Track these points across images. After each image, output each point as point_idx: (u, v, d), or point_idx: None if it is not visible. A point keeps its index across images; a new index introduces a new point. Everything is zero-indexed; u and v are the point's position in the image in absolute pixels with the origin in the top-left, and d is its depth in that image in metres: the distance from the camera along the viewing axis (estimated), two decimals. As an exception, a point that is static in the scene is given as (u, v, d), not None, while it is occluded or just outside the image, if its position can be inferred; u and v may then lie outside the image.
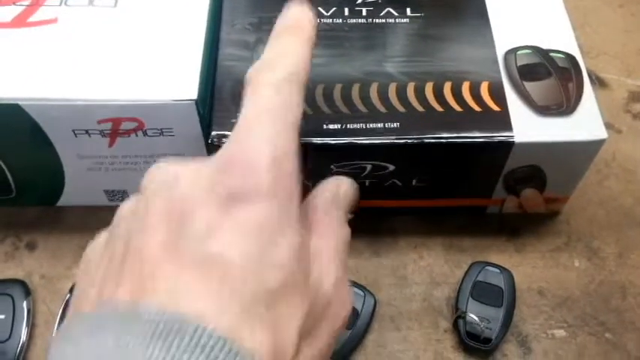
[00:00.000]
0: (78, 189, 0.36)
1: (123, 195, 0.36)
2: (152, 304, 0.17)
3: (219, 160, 0.20)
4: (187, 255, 0.18)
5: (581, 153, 0.33)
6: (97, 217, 0.37)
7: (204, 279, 0.17)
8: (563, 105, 0.33)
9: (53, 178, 0.34)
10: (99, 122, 0.30)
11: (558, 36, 0.35)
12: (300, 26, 0.24)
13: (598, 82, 0.44)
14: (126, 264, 0.18)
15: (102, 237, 0.22)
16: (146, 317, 0.16)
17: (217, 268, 0.17)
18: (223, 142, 0.31)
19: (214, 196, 0.19)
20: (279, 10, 0.35)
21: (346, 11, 0.36)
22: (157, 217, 0.19)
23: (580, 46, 0.35)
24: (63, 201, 0.37)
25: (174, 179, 0.20)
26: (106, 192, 0.36)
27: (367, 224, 0.37)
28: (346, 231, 0.23)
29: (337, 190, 0.24)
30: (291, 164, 0.20)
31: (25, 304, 0.33)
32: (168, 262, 0.18)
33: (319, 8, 0.36)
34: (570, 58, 0.34)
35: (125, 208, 0.21)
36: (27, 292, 0.34)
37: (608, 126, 0.41)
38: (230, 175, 0.19)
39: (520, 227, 0.37)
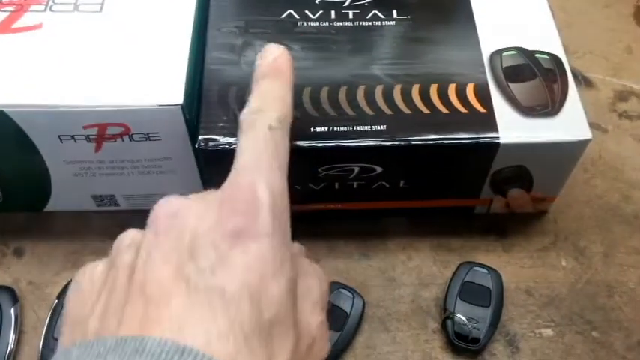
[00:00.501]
0: (65, 194, 0.35)
1: (110, 200, 0.36)
2: (155, 335, 0.17)
3: (223, 198, 0.21)
4: (194, 286, 0.19)
5: (567, 153, 0.33)
6: (84, 223, 0.37)
7: (209, 309, 0.18)
8: (548, 106, 0.33)
9: (40, 184, 0.34)
10: (84, 128, 0.30)
11: (543, 37, 0.36)
12: (281, 69, 0.26)
13: (584, 82, 0.45)
14: (130, 298, 0.19)
15: (98, 266, 0.22)
16: (148, 348, 0.17)
17: (221, 300, 0.18)
18: (210, 147, 0.31)
19: (220, 232, 0.20)
20: (265, 14, 0.36)
21: (333, 14, 0.36)
22: (165, 249, 0.20)
23: (565, 47, 0.35)
24: (50, 207, 0.37)
25: (182, 215, 0.21)
26: (94, 197, 0.36)
27: (356, 226, 0.37)
28: (327, 283, 0.24)
29: (301, 249, 0.25)
30: (284, 203, 0.22)
31: (12, 310, 0.33)
32: (175, 292, 0.19)
33: (306, 11, 0.36)
34: (555, 59, 0.35)
35: (127, 240, 0.22)
36: (15, 298, 0.34)
37: (594, 125, 0.42)
38: (234, 213, 0.20)
39: (508, 227, 0.38)
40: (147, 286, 0.19)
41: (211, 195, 0.22)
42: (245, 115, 0.25)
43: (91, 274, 0.22)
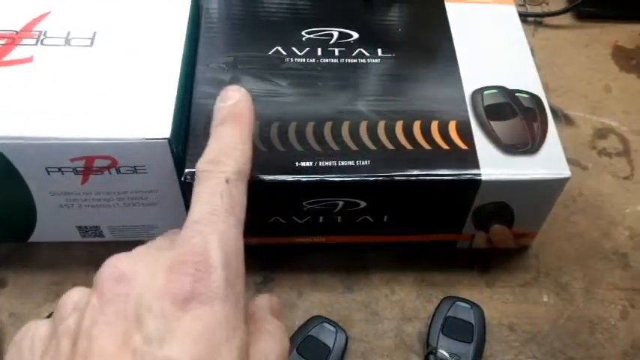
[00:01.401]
0: (50, 225, 0.35)
1: (95, 231, 0.36)
2: None
3: (173, 259, 0.20)
4: (141, 358, 0.18)
5: (547, 190, 0.34)
6: (68, 254, 0.37)
7: None
8: (528, 144, 0.34)
9: (25, 214, 0.34)
10: (72, 160, 0.31)
11: (523, 77, 0.37)
12: (241, 115, 0.25)
13: (565, 119, 0.46)
14: None
15: (41, 328, 0.21)
16: None
17: None
18: (196, 180, 0.31)
19: (169, 298, 0.19)
20: (253, 50, 0.37)
21: (319, 51, 0.37)
22: (110, 317, 0.19)
23: (546, 85, 0.36)
24: (35, 237, 0.36)
25: (129, 279, 0.20)
26: (79, 228, 0.36)
27: (340, 260, 0.38)
28: (287, 341, 0.23)
29: (271, 302, 0.24)
30: (239, 264, 0.21)
31: (-8, 343, 0.33)
32: None
33: (293, 48, 0.37)
34: (535, 99, 0.36)
35: (71, 303, 0.21)
36: (-5, 330, 0.33)
37: (575, 162, 0.43)
38: (184, 277, 0.19)
39: (490, 262, 0.38)
40: (91, 358, 0.18)
41: (161, 253, 0.21)
42: (201, 165, 0.24)
43: (33, 337, 0.20)
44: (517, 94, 0.36)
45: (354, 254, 0.38)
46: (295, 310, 0.36)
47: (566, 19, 0.53)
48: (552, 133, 0.34)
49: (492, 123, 0.34)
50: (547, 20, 0.53)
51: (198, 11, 0.38)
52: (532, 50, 0.38)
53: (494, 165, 0.33)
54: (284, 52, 0.37)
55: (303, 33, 0.38)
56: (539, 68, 0.37)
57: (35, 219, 0.35)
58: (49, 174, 0.31)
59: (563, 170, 0.33)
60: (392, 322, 0.35)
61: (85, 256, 0.37)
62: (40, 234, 0.36)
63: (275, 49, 0.37)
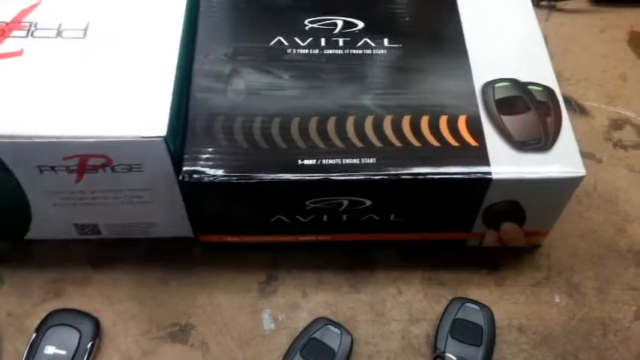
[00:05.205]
0: (46, 223, 0.34)
1: (93, 228, 0.35)
2: None
3: None
4: None
5: (560, 189, 0.32)
6: (65, 251, 0.36)
7: None
8: (542, 140, 0.32)
9: (19, 213, 0.33)
10: (64, 159, 0.29)
11: (536, 68, 0.35)
12: None
13: (578, 110, 0.44)
14: None
15: None
16: None
17: None
18: (194, 179, 0.30)
19: None
20: (254, 41, 0.35)
21: (323, 41, 0.35)
22: None
23: (560, 73, 0.35)
24: (31, 235, 0.36)
25: None
26: (76, 226, 0.35)
27: (345, 258, 0.36)
28: None
29: None
30: None
31: (-12, 345, 0.32)
32: None
33: (295, 38, 0.35)
34: (548, 91, 0.34)
35: None
36: (-9, 332, 0.33)
37: (589, 155, 0.41)
38: None
39: (500, 261, 0.37)
40: None
41: None
42: None
43: None
44: (530, 87, 0.34)
45: (359, 252, 0.37)
46: (299, 310, 0.35)
47: (580, 3, 0.51)
48: (567, 127, 0.33)
49: (504, 118, 0.33)
50: (561, 4, 0.51)
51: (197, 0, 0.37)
52: (545, 39, 0.37)
53: (506, 162, 0.31)
54: (286, 43, 0.35)
55: (305, 22, 0.36)
56: (552, 55, 0.36)
57: (30, 217, 0.34)
58: (41, 173, 0.30)
59: (577, 168, 0.31)
60: (399, 323, 0.34)
61: (82, 252, 0.36)
62: (36, 232, 0.35)
63: (277, 39, 0.35)
